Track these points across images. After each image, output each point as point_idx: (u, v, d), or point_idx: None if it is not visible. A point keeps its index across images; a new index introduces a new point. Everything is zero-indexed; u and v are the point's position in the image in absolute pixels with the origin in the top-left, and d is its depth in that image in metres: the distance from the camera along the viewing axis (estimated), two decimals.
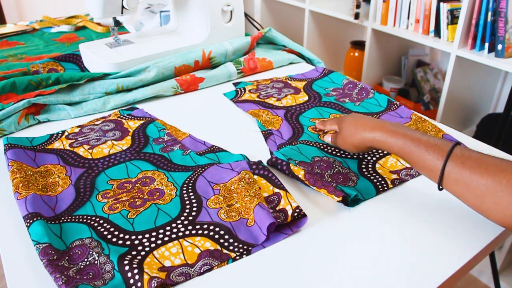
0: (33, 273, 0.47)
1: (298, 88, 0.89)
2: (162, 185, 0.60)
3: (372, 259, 0.48)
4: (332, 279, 0.46)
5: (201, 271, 0.47)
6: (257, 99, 0.84)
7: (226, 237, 0.51)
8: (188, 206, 0.56)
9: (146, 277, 0.44)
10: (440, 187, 0.51)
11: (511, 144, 1.55)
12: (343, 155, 0.66)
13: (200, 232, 0.52)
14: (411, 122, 0.74)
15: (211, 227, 0.52)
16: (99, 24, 1.36)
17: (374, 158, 0.65)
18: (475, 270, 1.46)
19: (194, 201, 0.57)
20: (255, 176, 0.59)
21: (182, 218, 0.54)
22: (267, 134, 0.72)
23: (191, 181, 0.60)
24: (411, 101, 2.01)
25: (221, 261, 0.48)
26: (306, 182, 0.58)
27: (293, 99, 0.84)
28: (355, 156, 0.66)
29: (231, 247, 0.49)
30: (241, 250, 0.49)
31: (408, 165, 0.63)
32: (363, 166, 0.63)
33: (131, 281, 0.44)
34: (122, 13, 0.92)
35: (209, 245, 0.50)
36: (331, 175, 0.61)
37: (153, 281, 0.43)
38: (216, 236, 0.51)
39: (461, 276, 0.49)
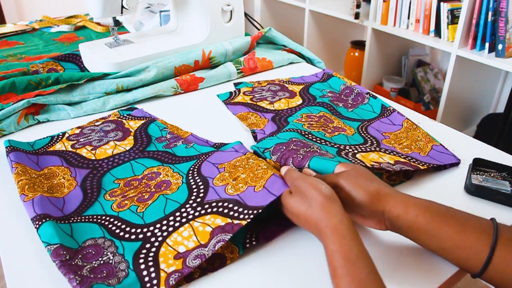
0: (33, 273, 0.47)
1: (294, 92, 0.87)
2: (168, 176, 0.60)
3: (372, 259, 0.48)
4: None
5: (215, 248, 0.46)
6: (249, 101, 0.83)
7: (235, 208, 0.50)
8: (195, 190, 0.56)
9: (163, 274, 0.44)
10: (478, 275, 0.42)
11: (511, 144, 1.55)
12: (323, 143, 0.64)
13: (209, 210, 0.52)
14: (402, 129, 0.71)
15: (220, 203, 0.52)
16: (98, 24, 1.36)
17: (356, 151, 0.63)
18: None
19: (200, 183, 0.57)
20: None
21: (191, 201, 0.54)
22: (253, 135, 0.72)
23: (196, 167, 0.61)
24: (411, 101, 2.01)
25: (233, 232, 0.47)
26: (277, 164, 0.58)
27: (286, 103, 0.82)
28: (335, 146, 0.64)
29: (241, 216, 0.49)
30: (251, 216, 0.48)
31: (391, 162, 0.60)
32: (343, 154, 0.61)
33: (146, 278, 0.44)
34: (122, 13, 0.92)
35: (219, 221, 0.49)
36: (306, 152, 0.58)
37: (171, 279, 0.44)
38: (226, 211, 0.51)
39: (461, 276, 0.49)
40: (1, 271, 1.12)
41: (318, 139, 0.65)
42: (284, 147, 0.60)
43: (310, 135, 0.66)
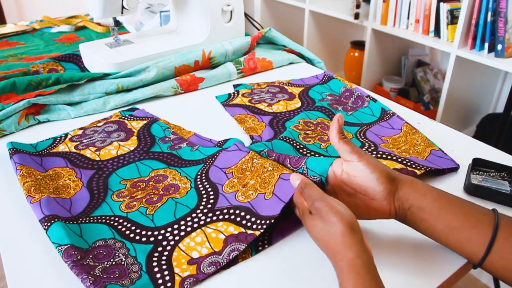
0: (33, 273, 0.47)
1: (294, 94, 0.87)
2: (176, 180, 0.60)
3: None
4: (332, 278, 0.46)
5: (230, 257, 0.47)
6: (247, 103, 0.83)
7: (248, 217, 0.51)
8: (205, 196, 0.56)
9: (177, 278, 0.45)
10: (480, 262, 0.43)
11: (511, 144, 1.55)
12: (317, 156, 0.64)
13: (221, 217, 0.52)
14: (401, 133, 0.71)
15: (231, 211, 0.52)
16: (99, 24, 1.36)
17: None
18: (475, 270, 1.46)
19: (210, 189, 0.57)
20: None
21: (201, 207, 0.54)
22: (251, 137, 0.72)
23: (204, 172, 0.61)
24: (411, 101, 2.01)
25: (247, 243, 0.48)
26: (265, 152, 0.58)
27: (285, 105, 0.82)
28: (331, 158, 0.63)
29: (254, 226, 0.49)
30: (264, 226, 0.49)
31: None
32: None
33: (160, 281, 0.44)
34: (122, 13, 0.92)
35: (232, 229, 0.50)
36: (296, 161, 0.57)
37: (186, 283, 0.44)
38: (238, 219, 0.51)
39: (461, 276, 0.49)
40: (2, 272, 1.12)
41: (312, 153, 0.65)
42: (275, 156, 0.60)
43: (304, 149, 0.66)
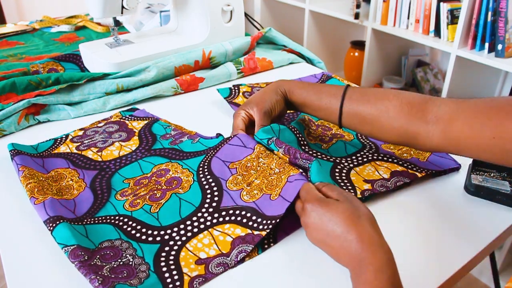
0: (33, 273, 0.47)
1: None
2: (178, 172, 0.60)
3: None
4: (333, 278, 0.46)
5: (238, 259, 0.47)
6: None
7: (254, 218, 0.51)
8: (209, 191, 0.56)
9: (186, 278, 0.45)
10: (340, 124, 0.60)
11: None
12: (319, 156, 0.63)
13: (227, 219, 0.52)
14: None
15: (237, 212, 0.52)
16: (99, 24, 1.36)
17: (352, 165, 0.61)
18: (475, 270, 1.47)
19: (213, 184, 0.57)
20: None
21: (206, 205, 0.54)
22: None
23: (206, 163, 0.61)
24: None
25: (254, 244, 0.48)
26: (286, 157, 0.56)
27: None
28: (331, 159, 0.62)
29: (260, 227, 0.50)
30: (270, 226, 0.49)
31: (386, 176, 0.59)
32: (337, 171, 0.60)
33: (169, 280, 0.45)
34: (122, 13, 0.92)
35: (239, 231, 0.50)
36: (309, 154, 0.58)
37: (195, 283, 0.44)
38: (244, 220, 0.51)
39: (461, 276, 0.49)
40: (1, 271, 1.12)
41: (314, 151, 0.65)
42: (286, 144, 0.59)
43: (307, 147, 0.65)
